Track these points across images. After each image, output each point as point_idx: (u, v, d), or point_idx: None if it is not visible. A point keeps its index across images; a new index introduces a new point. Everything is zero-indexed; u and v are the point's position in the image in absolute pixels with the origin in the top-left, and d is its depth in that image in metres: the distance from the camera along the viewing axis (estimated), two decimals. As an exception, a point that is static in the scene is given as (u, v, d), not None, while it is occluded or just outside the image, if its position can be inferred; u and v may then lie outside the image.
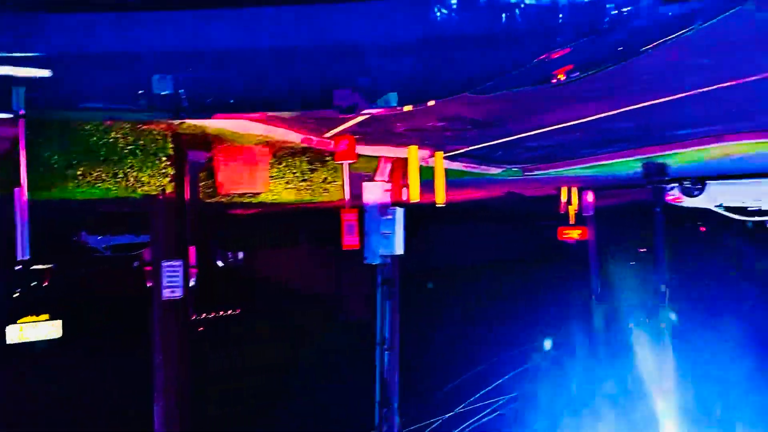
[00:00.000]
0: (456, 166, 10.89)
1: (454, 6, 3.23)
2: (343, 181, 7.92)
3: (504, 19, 3.24)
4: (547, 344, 16.79)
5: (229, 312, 14.26)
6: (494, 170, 11.63)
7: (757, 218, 15.52)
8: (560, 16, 3.08)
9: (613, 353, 16.59)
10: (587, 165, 10.74)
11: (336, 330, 12.83)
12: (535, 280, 17.42)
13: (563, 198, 16.03)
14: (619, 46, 3.57)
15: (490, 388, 14.33)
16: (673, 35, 3.44)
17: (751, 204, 15.03)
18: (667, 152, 9.37)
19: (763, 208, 15.10)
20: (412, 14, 3.39)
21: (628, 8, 3.10)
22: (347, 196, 7.80)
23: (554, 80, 4.21)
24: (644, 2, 3.07)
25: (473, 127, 7.58)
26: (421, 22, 3.40)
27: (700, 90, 6.06)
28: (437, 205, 9.31)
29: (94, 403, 10.22)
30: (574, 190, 16.07)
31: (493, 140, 8.41)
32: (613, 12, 3.10)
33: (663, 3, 3.06)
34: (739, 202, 15.02)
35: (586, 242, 17.38)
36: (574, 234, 16.67)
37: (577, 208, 16.16)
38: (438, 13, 3.29)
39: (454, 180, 11.96)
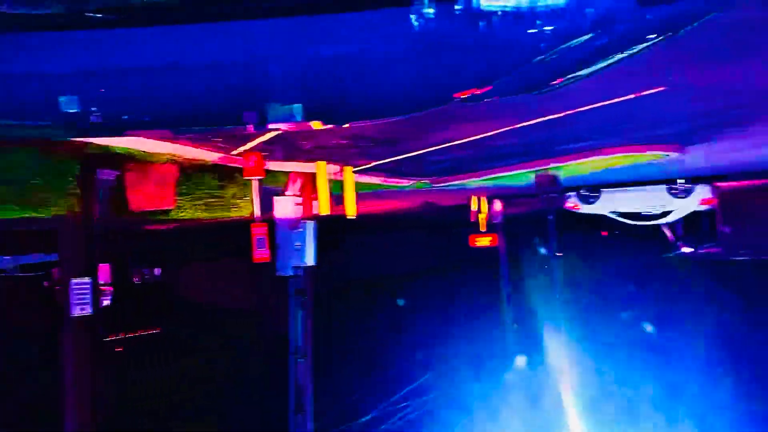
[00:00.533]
0: (368, 179, 11.45)
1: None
2: (252, 196, 8.26)
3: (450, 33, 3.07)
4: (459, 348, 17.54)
5: (148, 330, 14.17)
6: (405, 182, 12.27)
7: (650, 222, 16.97)
8: (538, 23, 2.91)
9: (524, 352, 17.64)
10: (487, 177, 11.53)
11: (252, 341, 13.07)
12: (448, 284, 18.20)
13: (473, 207, 16.96)
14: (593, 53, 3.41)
15: (405, 391, 14.94)
16: (652, 41, 3.31)
17: (644, 210, 16.43)
18: (555, 164, 10.26)
19: (654, 213, 16.54)
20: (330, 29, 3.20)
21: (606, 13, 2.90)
22: (257, 211, 8.14)
23: (457, 100, 4.13)
24: (623, 5, 2.88)
25: (375, 144, 8.11)
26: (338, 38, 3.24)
27: (576, 110, 6.82)
28: (348, 218, 9.81)
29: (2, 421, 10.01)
30: (484, 200, 17.04)
31: (396, 156, 8.98)
32: (592, 18, 2.91)
33: (641, 5, 2.87)
34: (632, 208, 16.37)
35: (497, 248, 18.44)
36: (485, 241, 17.64)
37: (487, 217, 17.14)
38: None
39: (367, 192, 12.54)
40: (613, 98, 5.96)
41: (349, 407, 13.55)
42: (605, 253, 20.59)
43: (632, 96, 5.88)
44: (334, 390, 12.48)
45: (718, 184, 16.01)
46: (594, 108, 6.57)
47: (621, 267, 20.81)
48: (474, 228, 17.62)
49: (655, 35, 3.36)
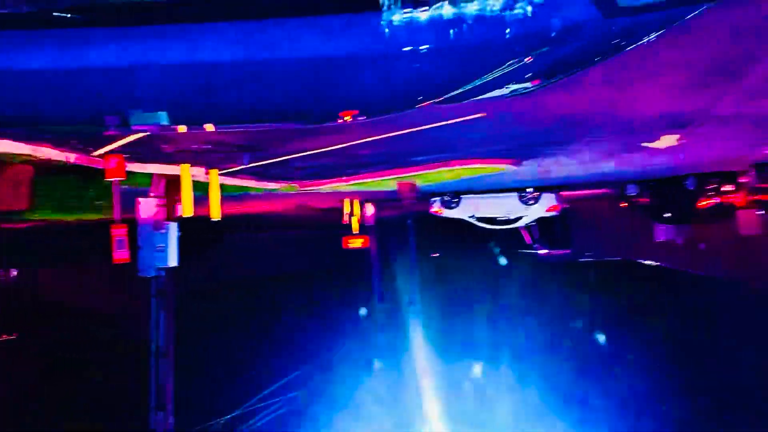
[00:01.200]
0: (236, 182, 11.75)
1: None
2: (113, 197, 8.36)
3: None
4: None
5: (2, 337, 13.56)
6: (273, 185, 12.69)
7: (504, 226, 18.51)
8: (507, 31, 2.88)
9: (390, 347, 18.60)
10: (353, 182, 12.25)
11: (113, 341, 12.92)
12: (321, 284, 18.77)
13: (346, 210, 17.67)
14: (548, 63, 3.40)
15: (272, 388, 15.33)
16: (617, 50, 3.33)
17: (499, 215, 17.91)
18: (412, 173, 11.16)
19: (511, 218, 18.07)
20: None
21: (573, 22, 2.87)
22: (117, 212, 8.25)
23: (339, 120, 4.27)
24: (588, 16, 2.87)
25: (238, 150, 8.50)
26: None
27: (421, 128, 7.62)
28: (213, 220, 10.10)
29: None
30: (356, 202, 17.79)
31: (259, 161, 9.41)
32: (557, 26, 2.88)
33: (605, 17, 2.86)
34: (489, 213, 17.79)
35: (369, 249, 19.27)
36: (358, 243, 18.39)
37: (360, 219, 17.90)
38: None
39: (237, 194, 12.83)
40: (442, 121, 6.80)
41: (215, 405, 13.73)
42: (472, 253, 22.11)
43: (458, 120, 6.75)
44: (200, 388, 12.64)
45: (563, 193, 17.80)
46: (432, 127, 7.43)
47: (485, 266, 22.44)
48: (347, 230, 18.31)
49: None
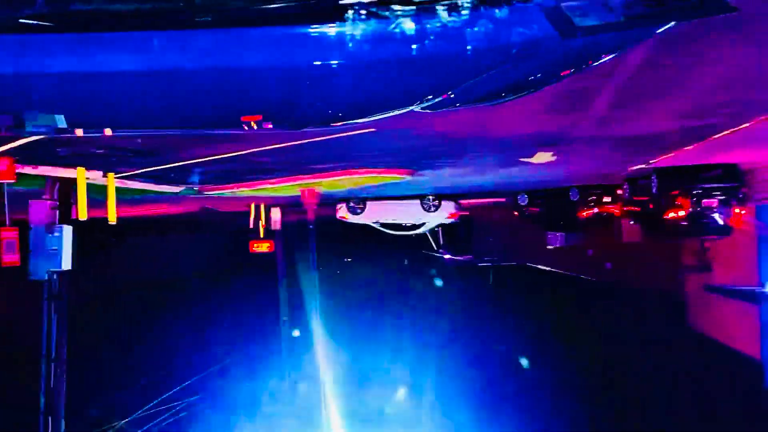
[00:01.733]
0: (135, 185, 11.72)
1: None
2: (2, 200, 8.24)
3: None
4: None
5: None
6: (173, 189, 12.72)
7: (408, 232, 19.27)
8: (468, 48, 2.87)
9: (297, 352, 18.89)
10: (255, 188, 12.50)
11: (3, 345, 12.48)
12: (227, 287, 18.79)
13: (252, 214, 17.82)
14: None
15: (172, 392, 15.25)
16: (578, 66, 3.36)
17: (403, 221, 18.63)
18: (314, 180, 11.57)
19: (416, 224, 18.83)
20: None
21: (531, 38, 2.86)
22: (5, 215, 8.14)
23: (245, 126, 4.03)
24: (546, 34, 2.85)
25: (134, 155, 8.61)
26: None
27: (313, 139, 8.04)
28: (110, 223, 10.08)
29: None
30: (262, 207, 17.97)
31: (158, 166, 9.52)
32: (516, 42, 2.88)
33: (563, 37, 2.84)
34: (393, 219, 18.48)
35: (275, 253, 19.47)
36: (264, 247, 18.55)
37: (265, 223, 18.09)
38: None
39: (137, 198, 12.76)
40: (333, 134, 7.28)
41: (109, 409, 13.52)
42: (378, 256, 22.76)
43: (348, 133, 7.25)
44: (94, 393, 12.43)
45: (463, 201, 18.77)
46: (325, 139, 7.89)
47: (391, 268, 23.16)
48: (254, 234, 18.44)
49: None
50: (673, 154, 10.26)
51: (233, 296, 19.08)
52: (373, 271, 22.87)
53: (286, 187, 12.49)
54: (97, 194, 10.12)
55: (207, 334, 17.82)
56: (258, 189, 12.83)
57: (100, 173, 10.10)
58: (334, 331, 18.47)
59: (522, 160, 10.29)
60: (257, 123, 3.84)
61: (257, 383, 16.87)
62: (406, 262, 24.79)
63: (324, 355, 17.96)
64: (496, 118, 6.66)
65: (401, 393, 17.92)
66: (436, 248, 24.88)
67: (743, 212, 12.21)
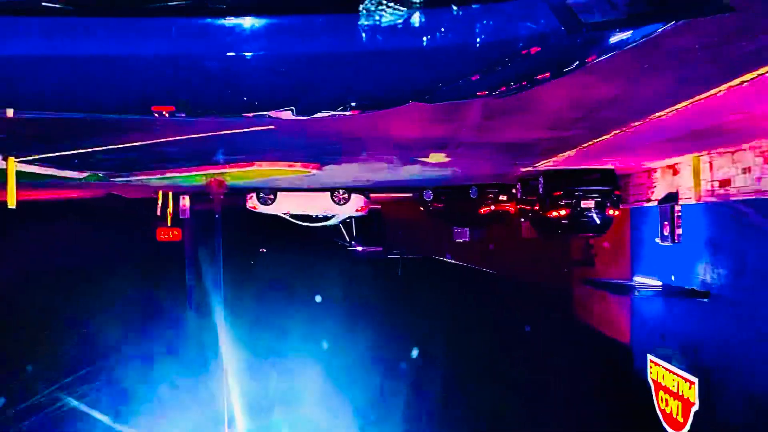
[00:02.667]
0: (36, 169, 11.57)
1: None
2: None
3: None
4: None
5: None
6: (77, 175, 12.61)
7: (318, 224, 19.75)
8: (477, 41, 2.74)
9: (202, 341, 19.00)
10: (162, 176, 12.62)
11: None
12: (132, 275, 18.60)
13: (160, 201, 17.73)
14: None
15: (68, 380, 15.08)
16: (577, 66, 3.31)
17: (314, 213, 19.07)
18: (220, 170, 11.86)
19: (328, 216, 19.31)
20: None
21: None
22: None
23: (156, 114, 3.83)
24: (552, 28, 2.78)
25: (33, 140, 8.64)
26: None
27: (214, 133, 8.38)
28: (10, 207, 9.97)
29: None
30: (170, 195, 17.91)
31: (58, 152, 9.55)
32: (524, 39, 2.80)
33: (568, 32, 2.78)
34: (303, 211, 18.90)
35: (183, 242, 19.45)
36: (171, 235, 18.51)
37: (172, 212, 18.04)
38: None
39: (38, 182, 12.56)
40: (234, 129, 7.69)
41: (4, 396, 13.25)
42: (291, 247, 23.08)
43: (248, 129, 7.68)
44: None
45: (372, 195, 19.45)
46: (229, 133, 8.27)
47: (303, 258, 23.55)
48: (161, 222, 18.33)
49: None
50: (554, 159, 11.32)
51: (138, 284, 18.91)
52: (285, 262, 23.20)
53: (193, 177, 12.68)
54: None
55: (108, 323, 17.61)
56: (164, 177, 12.93)
57: (0, 157, 9.99)
58: (240, 320, 18.73)
59: (419, 159, 11.04)
60: (170, 113, 3.72)
61: (159, 372, 16.88)
62: (317, 252, 25.26)
63: (228, 344, 18.19)
64: (385, 122, 7.31)
65: (306, 379, 18.43)
66: (348, 240, 25.54)
67: (617, 213, 13.54)
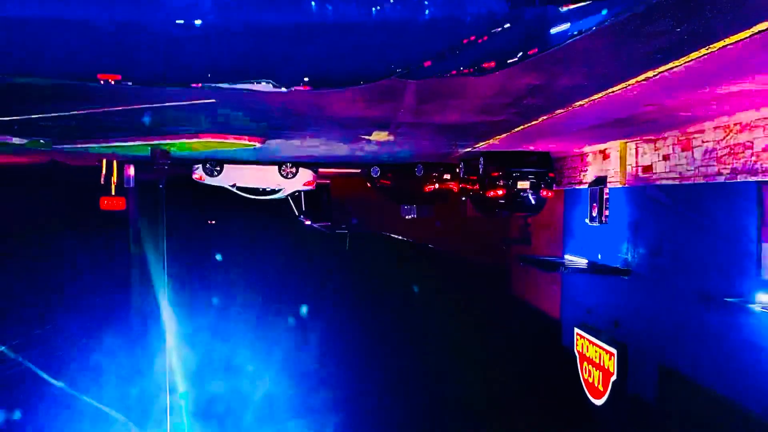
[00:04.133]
0: (-25, 134, 11.39)
1: None
2: None
3: None
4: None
5: None
6: (20, 140, 12.44)
7: (265, 197, 19.87)
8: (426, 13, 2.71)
9: (147, 311, 19.04)
10: (106, 145, 12.56)
11: None
12: (73, 244, 18.38)
13: (104, 170, 17.51)
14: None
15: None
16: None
17: (261, 186, 19.17)
18: (164, 141, 11.92)
19: (275, 189, 19.42)
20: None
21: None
22: None
23: (101, 82, 4.02)
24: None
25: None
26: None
27: (155, 104, 8.48)
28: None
29: None
30: (115, 163, 17.70)
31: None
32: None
33: (511, 8, 2.82)
34: (251, 183, 18.98)
35: (128, 211, 19.28)
36: (115, 204, 18.32)
37: (116, 181, 17.84)
38: None
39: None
40: (174, 102, 7.85)
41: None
42: (238, 220, 23.12)
43: (190, 102, 7.85)
44: None
45: (321, 170, 19.68)
46: (173, 105, 8.40)
47: (249, 232, 23.64)
48: (105, 190, 18.11)
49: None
50: (490, 141, 11.84)
51: (79, 253, 18.71)
52: (232, 234, 23.28)
53: (137, 147, 12.68)
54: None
55: (48, 293, 17.45)
56: (108, 146, 12.88)
57: (-66, 120, 9.80)
58: (181, 291, 18.83)
59: (362, 137, 11.37)
60: (116, 81, 3.85)
61: (99, 345, 16.89)
62: (265, 226, 25.36)
63: (169, 316, 18.29)
64: (327, 100, 7.61)
65: (244, 349, 18.76)
66: (297, 214, 25.73)
67: (550, 194, 14.24)
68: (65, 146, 13.23)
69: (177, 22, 2.73)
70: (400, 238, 26.40)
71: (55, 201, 19.21)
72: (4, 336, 15.52)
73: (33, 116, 9.82)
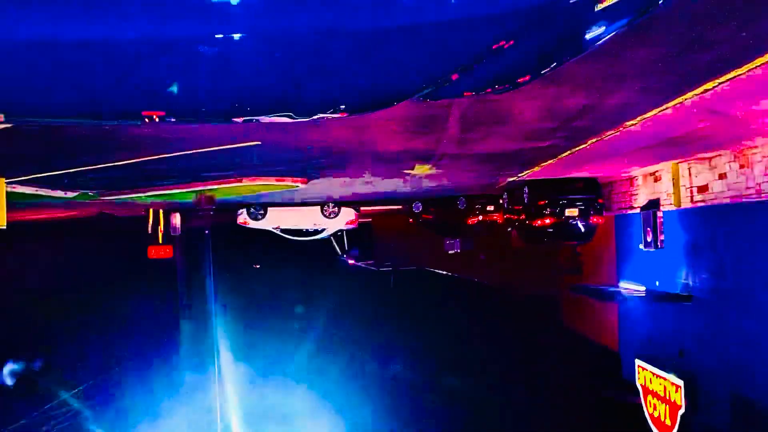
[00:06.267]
0: (29, 190, 11.71)
1: None
2: None
3: None
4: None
5: None
6: (69, 194, 12.76)
7: (309, 238, 19.88)
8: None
9: (199, 359, 19.06)
10: (151, 194, 12.77)
11: None
12: (123, 294, 18.64)
13: (150, 219, 17.84)
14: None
15: (61, 399, 15.11)
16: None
17: (304, 227, 19.21)
18: (209, 187, 12.03)
19: (319, 229, 19.44)
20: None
21: None
22: None
23: (147, 119, 3.50)
24: None
25: (23, 161, 8.80)
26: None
27: (207, 149, 8.54)
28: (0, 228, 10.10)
29: None
30: (161, 212, 18.03)
31: (48, 172, 9.71)
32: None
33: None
34: (294, 225, 19.03)
35: (175, 260, 19.55)
36: (162, 252, 18.59)
37: (162, 229, 18.15)
38: None
39: (31, 202, 12.70)
40: (221, 146, 7.88)
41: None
42: (282, 262, 23.20)
43: (234, 145, 7.88)
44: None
45: (362, 208, 19.64)
46: (216, 150, 8.45)
47: (295, 273, 23.67)
48: (152, 239, 18.42)
49: None
50: (536, 169, 11.57)
51: (130, 303, 18.95)
52: (277, 277, 23.30)
53: (182, 194, 12.83)
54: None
55: (101, 342, 17.65)
56: (153, 195, 13.08)
57: (-10, 178, 10.10)
58: (232, 334, 18.81)
59: (404, 171, 11.25)
60: (159, 118, 3.40)
61: (152, 394, 16.92)
62: (311, 267, 25.35)
63: (220, 361, 18.25)
64: (368, 134, 7.52)
65: (299, 395, 18.50)
66: (340, 253, 25.69)
67: (600, 221, 13.78)
68: (112, 197, 13.51)
69: (216, 36, 2.36)
70: (444, 273, 26.05)
71: (105, 252, 19.63)
72: (57, 385, 15.69)
73: (81, 169, 10.04)
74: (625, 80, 5.24)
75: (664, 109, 6.45)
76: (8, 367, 15.19)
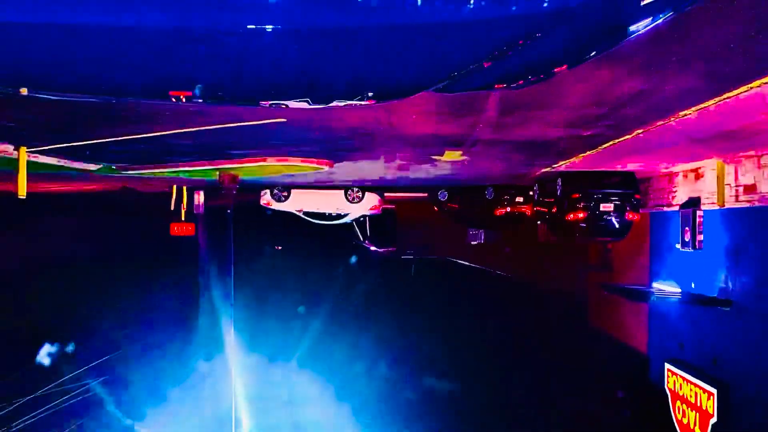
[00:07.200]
0: (50, 160, 11.52)
1: None
2: None
3: None
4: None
5: None
6: (91, 167, 12.55)
7: (332, 222, 19.55)
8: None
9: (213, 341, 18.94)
10: (173, 170, 12.50)
11: None
12: (144, 270, 18.55)
13: (174, 196, 17.64)
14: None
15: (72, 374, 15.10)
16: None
17: (327, 211, 18.88)
18: (232, 165, 11.71)
19: (342, 214, 19.12)
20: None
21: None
22: None
23: (173, 99, 3.79)
24: None
25: (45, 130, 8.54)
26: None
27: (224, 125, 8.21)
28: (20, 197, 9.91)
29: None
30: (185, 189, 17.82)
31: (70, 142, 9.46)
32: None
33: None
34: (317, 208, 18.71)
35: (197, 237, 19.38)
36: (185, 230, 18.41)
37: (186, 207, 17.95)
38: None
39: (51, 173, 12.51)
40: (245, 122, 7.52)
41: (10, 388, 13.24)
42: (303, 245, 22.97)
43: (260, 121, 7.51)
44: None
45: (387, 194, 19.23)
46: (240, 126, 8.10)
47: (315, 257, 23.42)
48: (175, 216, 18.25)
49: None
50: (573, 160, 11.03)
51: (150, 280, 18.86)
52: (298, 260, 23.05)
53: (205, 171, 12.55)
54: (7, 167, 9.93)
55: (121, 317, 17.60)
56: (177, 171, 12.82)
57: (11, 147, 9.91)
58: (248, 317, 18.63)
59: (433, 157, 10.80)
60: (186, 98, 3.60)
61: (168, 369, 16.83)
62: (331, 251, 25.08)
63: (236, 342, 18.09)
64: (398, 117, 7.09)
65: (311, 379, 18.30)
66: (362, 239, 25.35)
67: (636, 218, 13.19)
68: (134, 172, 13.29)
69: (248, 27, 2.47)
70: (468, 264, 25.56)
71: (126, 227, 19.54)
72: (74, 361, 15.66)
73: (104, 140, 9.79)
74: (691, 63, 4.74)
75: (724, 99, 5.92)
76: (45, 349, 15.24)
